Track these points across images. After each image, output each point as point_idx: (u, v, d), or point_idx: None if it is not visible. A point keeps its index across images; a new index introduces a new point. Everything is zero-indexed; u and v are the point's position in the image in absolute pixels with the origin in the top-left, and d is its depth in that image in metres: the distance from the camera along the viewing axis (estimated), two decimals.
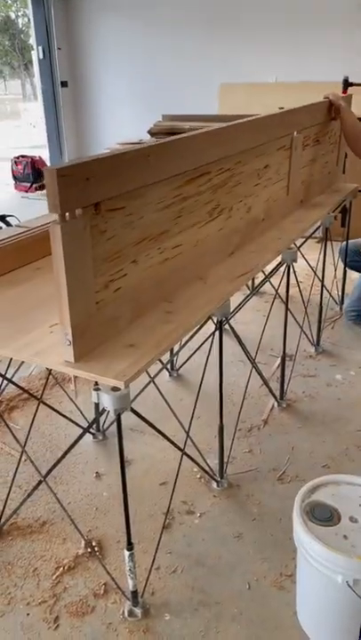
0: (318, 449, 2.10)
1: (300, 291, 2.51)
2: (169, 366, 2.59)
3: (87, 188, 1.15)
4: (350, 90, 2.99)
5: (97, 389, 1.25)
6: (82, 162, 1.14)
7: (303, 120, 2.28)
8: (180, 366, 2.59)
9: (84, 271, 1.22)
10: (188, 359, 2.47)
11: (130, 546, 1.42)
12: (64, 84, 6.21)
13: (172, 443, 1.63)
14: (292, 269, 2.17)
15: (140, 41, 5.74)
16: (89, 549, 1.68)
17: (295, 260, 2.11)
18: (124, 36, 5.82)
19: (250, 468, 2.01)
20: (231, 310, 1.70)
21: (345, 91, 2.94)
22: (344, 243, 3.07)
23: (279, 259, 2.07)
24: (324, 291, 2.81)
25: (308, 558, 1.30)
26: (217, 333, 1.70)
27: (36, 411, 1.91)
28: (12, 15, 14.60)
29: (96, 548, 1.68)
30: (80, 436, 1.52)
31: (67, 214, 1.13)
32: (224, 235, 1.82)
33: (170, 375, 2.60)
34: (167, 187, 1.45)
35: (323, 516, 1.34)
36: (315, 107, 2.35)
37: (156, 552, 1.58)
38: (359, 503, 1.38)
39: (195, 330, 1.66)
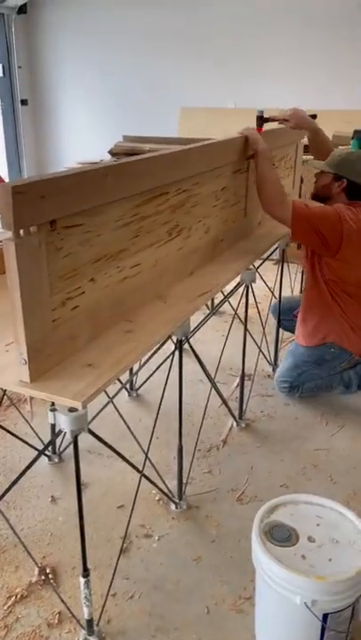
0: (277, 468, 2.11)
1: (258, 311, 2.54)
2: (128, 386, 2.57)
3: (42, 206, 1.14)
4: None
5: (53, 410, 1.22)
6: (37, 179, 1.13)
7: None
8: (140, 386, 2.57)
9: (40, 288, 1.19)
10: (147, 379, 2.45)
11: (85, 572, 1.38)
12: (24, 102, 6.18)
13: (130, 464, 1.60)
14: (250, 290, 2.20)
15: (101, 61, 5.79)
16: (43, 577, 1.62)
17: (254, 281, 2.14)
18: (85, 55, 5.86)
19: (209, 488, 2.00)
20: (191, 330, 1.71)
21: (260, 128, 2.41)
22: (275, 301, 2.80)
23: (238, 279, 2.09)
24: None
25: (266, 579, 1.29)
26: (177, 353, 1.70)
27: None
28: None
29: (50, 576, 1.63)
30: (35, 459, 1.48)
31: (21, 231, 1.11)
32: (183, 254, 1.83)
33: (129, 395, 2.57)
34: (125, 205, 1.45)
35: (281, 536, 1.34)
36: (270, 133, 2.42)
37: (112, 578, 1.54)
38: (317, 523, 1.39)
39: (154, 349, 1.66)
